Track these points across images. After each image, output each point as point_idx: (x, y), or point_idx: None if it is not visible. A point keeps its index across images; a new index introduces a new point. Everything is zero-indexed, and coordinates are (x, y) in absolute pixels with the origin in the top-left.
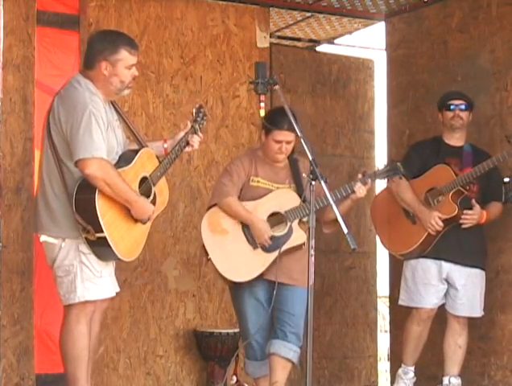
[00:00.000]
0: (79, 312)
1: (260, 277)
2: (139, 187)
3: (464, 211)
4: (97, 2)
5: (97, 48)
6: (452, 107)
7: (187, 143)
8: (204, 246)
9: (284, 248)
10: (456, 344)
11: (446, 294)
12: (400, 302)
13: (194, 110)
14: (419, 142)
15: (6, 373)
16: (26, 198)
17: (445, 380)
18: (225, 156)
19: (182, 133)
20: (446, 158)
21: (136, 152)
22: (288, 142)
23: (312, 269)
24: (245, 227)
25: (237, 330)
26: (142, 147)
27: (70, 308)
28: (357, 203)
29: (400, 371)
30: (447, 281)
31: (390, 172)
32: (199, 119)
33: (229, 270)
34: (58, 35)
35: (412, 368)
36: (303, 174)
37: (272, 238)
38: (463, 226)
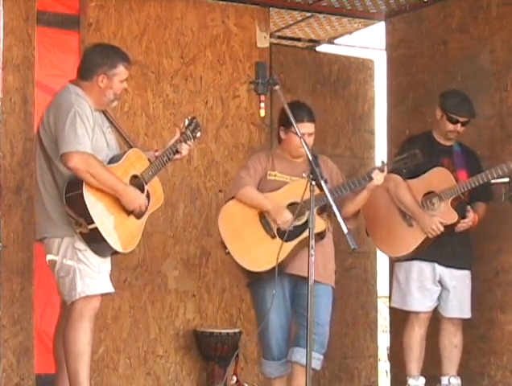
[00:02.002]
0: (82, 308)
1: (282, 271)
2: (130, 184)
3: (461, 221)
4: (96, 2)
5: (97, 62)
6: (454, 120)
7: (177, 151)
8: (222, 240)
9: (303, 236)
10: (451, 344)
11: (438, 296)
12: (392, 304)
13: (186, 121)
14: (411, 138)
15: (6, 373)
16: (26, 198)
17: (445, 380)
18: (225, 156)
19: (172, 141)
20: (439, 158)
21: (125, 152)
22: (310, 134)
23: (312, 270)
24: (263, 218)
25: (237, 330)
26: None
27: (73, 305)
28: (373, 192)
29: (410, 381)
30: (440, 282)
31: (408, 159)
32: (190, 129)
33: (248, 261)
34: (58, 35)
35: (421, 377)
36: (303, 174)
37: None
38: (457, 230)
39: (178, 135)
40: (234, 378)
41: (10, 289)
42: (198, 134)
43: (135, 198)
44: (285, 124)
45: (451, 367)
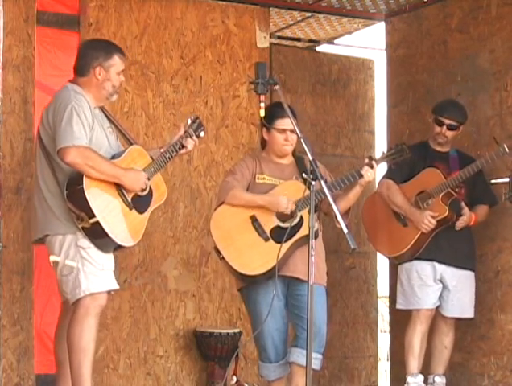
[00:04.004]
0: (88, 305)
1: (275, 273)
2: None
3: (460, 219)
4: (96, 2)
5: (92, 55)
6: (440, 123)
7: (182, 146)
8: (215, 246)
9: (296, 238)
10: (442, 344)
11: (440, 295)
12: (398, 306)
13: (189, 120)
14: (408, 147)
15: (6, 373)
16: (26, 198)
17: (429, 379)
18: (225, 156)
19: (176, 138)
20: (433, 163)
21: (126, 149)
22: (292, 130)
23: (313, 269)
24: (255, 221)
25: (237, 330)
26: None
27: (79, 303)
28: (366, 189)
29: (409, 379)
30: (441, 281)
31: (396, 154)
32: (192, 129)
33: (242, 265)
34: (58, 35)
35: (420, 375)
36: (303, 174)
37: (283, 229)
38: (456, 228)
39: (182, 132)
40: (234, 378)
41: (10, 289)
42: (202, 134)
43: (138, 178)
44: (266, 124)
45: (438, 367)
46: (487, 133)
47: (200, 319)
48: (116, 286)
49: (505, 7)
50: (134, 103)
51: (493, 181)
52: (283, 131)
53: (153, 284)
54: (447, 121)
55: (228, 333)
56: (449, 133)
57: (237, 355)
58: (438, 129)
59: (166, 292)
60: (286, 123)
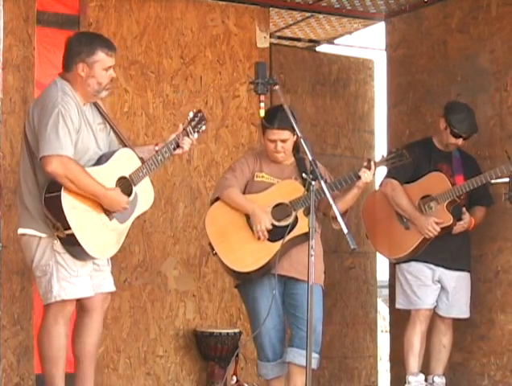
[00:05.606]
0: (57, 312)
1: (269, 271)
2: (116, 186)
3: (458, 223)
4: (96, 2)
5: (75, 50)
6: (457, 136)
7: (178, 146)
8: (209, 242)
9: (290, 236)
10: (440, 344)
11: (438, 296)
12: (398, 306)
13: (191, 114)
14: (411, 145)
15: (6, 373)
16: None
17: (429, 379)
18: (225, 156)
19: (173, 136)
20: (438, 163)
21: (114, 152)
22: (283, 141)
23: (312, 269)
24: (250, 219)
25: (237, 330)
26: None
27: (48, 308)
28: (364, 191)
29: (410, 378)
30: (439, 282)
31: (395, 158)
32: (193, 123)
33: (234, 261)
34: (58, 35)
35: (420, 374)
36: (303, 174)
37: (277, 228)
38: (454, 232)
39: (180, 129)
40: (234, 378)
41: (10, 289)
42: (203, 128)
43: (116, 201)
44: (262, 128)
45: (437, 367)
46: (487, 133)
47: (200, 319)
48: (89, 294)
49: (505, 7)
50: (134, 103)
51: (493, 181)
52: (273, 141)
53: (153, 284)
54: (464, 135)
55: (228, 333)
56: (463, 143)
57: (237, 355)
58: (453, 140)
59: (166, 292)
60: (275, 134)
